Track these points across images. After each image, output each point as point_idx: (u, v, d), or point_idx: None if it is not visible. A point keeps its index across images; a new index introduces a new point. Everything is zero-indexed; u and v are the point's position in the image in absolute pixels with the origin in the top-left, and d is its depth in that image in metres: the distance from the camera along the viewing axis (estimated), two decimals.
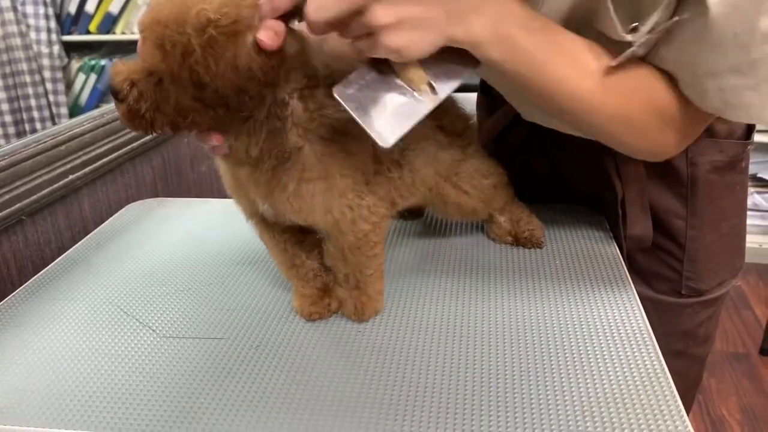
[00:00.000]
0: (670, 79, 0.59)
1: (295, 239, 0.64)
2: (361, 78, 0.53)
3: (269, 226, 0.64)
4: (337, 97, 0.52)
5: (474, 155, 0.70)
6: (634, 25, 0.55)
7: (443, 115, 0.67)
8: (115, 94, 0.50)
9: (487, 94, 0.91)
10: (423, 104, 0.53)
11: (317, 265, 0.65)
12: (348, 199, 0.58)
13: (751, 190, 2.48)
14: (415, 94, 0.54)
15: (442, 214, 0.76)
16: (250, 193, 0.59)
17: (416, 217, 0.85)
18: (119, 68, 0.50)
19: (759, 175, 2.49)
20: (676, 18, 0.54)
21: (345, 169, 0.57)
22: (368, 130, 0.52)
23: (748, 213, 0.85)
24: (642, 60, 0.59)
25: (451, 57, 0.54)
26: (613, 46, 0.57)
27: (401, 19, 0.49)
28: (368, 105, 0.53)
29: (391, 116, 0.53)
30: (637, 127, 0.60)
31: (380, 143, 0.52)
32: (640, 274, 0.81)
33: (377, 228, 0.60)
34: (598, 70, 0.57)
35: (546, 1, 0.60)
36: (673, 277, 0.81)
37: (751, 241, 2.46)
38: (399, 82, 0.54)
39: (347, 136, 0.57)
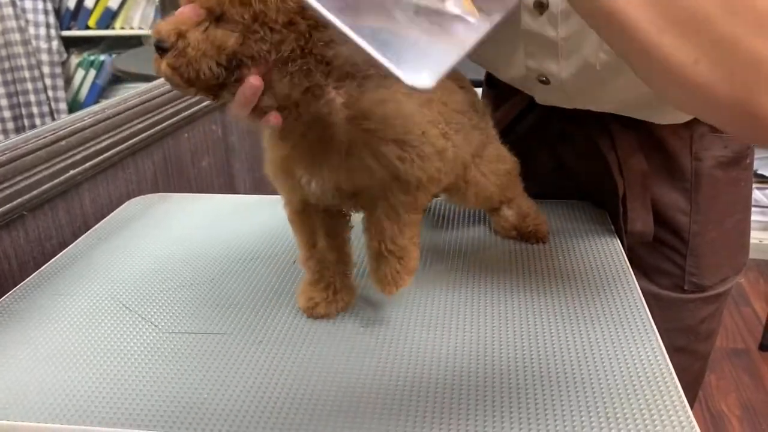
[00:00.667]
0: None
1: (328, 233, 0.63)
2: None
3: (307, 214, 0.62)
4: (339, 26, 0.36)
5: (494, 139, 0.71)
6: None
7: (469, 95, 0.67)
8: (161, 42, 0.50)
9: (494, 88, 0.90)
10: (470, 29, 0.39)
11: (333, 260, 0.64)
12: (427, 125, 0.56)
13: (752, 186, 2.48)
14: (455, 12, 0.39)
15: (458, 200, 0.76)
16: (297, 169, 0.57)
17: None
18: (163, 23, 0.50)
19: (759, 172, 2.49)
20: None
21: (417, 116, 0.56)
22: (392, 69, 0.36)
23: None
24: None
25: None
26: None
27: None
28: (388, 35, 0.37)
29: (424, 49, 0.38)
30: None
31: (413, 84, 0.37)
32: (642, 269, 0.81)
33: (425, 188, 0.58)
34: None
35: None
36: (675, 272, 0.81)
37: (752, 237, 2.46)
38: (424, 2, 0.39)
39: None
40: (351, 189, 0.58)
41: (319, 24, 0.49)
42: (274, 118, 0.53)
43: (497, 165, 0.71)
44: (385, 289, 0.60)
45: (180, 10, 0.51)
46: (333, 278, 0.64)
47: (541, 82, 0.74)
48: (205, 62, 0.50)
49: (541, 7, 0.65)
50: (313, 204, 0.61)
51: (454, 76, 0.68)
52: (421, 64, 0.36)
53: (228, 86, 0.51)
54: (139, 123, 1.06)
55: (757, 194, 2.48)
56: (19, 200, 0.81)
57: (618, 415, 0.50)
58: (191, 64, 0.50)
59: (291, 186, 0.60)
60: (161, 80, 0.61)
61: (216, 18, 0.49)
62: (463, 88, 0.68)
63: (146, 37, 2.39)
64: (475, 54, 0.84)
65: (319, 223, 0.63)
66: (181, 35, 0.50)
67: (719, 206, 0.79)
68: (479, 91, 0.94)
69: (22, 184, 0.82)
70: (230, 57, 0.50)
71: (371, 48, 0.36)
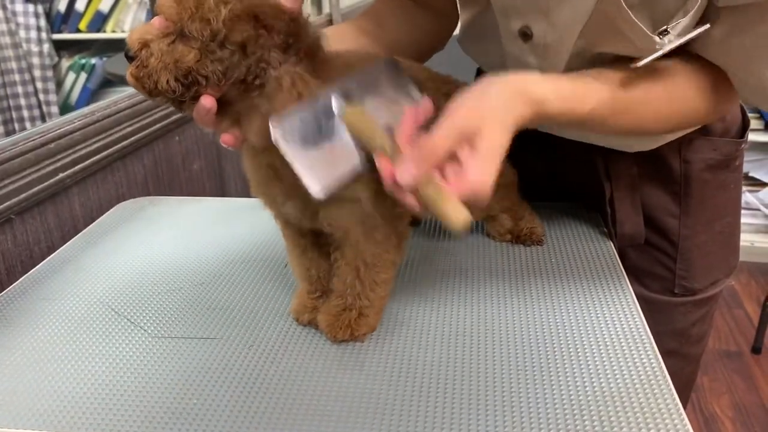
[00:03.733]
0: (703, 75, 0.62)
1: (317, 241, 0.63)
2: (307, 116, 0.52)
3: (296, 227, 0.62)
4: (273, 131, 0.50)
5: None
6: (663, 28, 0.56)
7: None
8: (128, 52, 0.52)
9: None
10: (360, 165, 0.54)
11: (328, 266, 0.63)
12: (386, 200, 0.57)
13: (743, 188, 2.49)
14: (359, 154, 0.54)
15: None
16: (273, 190, 0.58)
17: (414, 225, 0.84)
18: (134, 31, 0.52)
19: (751, 174, 2.50)
20: (707, 25, 0.55)
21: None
22: (301, 176, 0.51)
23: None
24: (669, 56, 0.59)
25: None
26: (636, 52, 0.58)
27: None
28: (308, 147, 0.52)
29: (328, 165, 0.52)
30: (672, 127, 0.69)
31: (312, 192, 0.51)
32: (632, 272, 0.80)
33: (399, 246, 0.59)
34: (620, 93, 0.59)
35: (560, 11, 0.60)
36: (666, 275, 0.80)
37: (743, 239, 2.45)
38: (347, 134, 0.54)
39: None
40: (327, 226, 0.58)
41: (272, 48, 0.51)
42: (226, 138, 0.54)
43: (496, 179, 0.71)
44: (337, 334, 0.60)
45: (154, 20, 0.52)
46: (327, 287, 0.63)
47: None
48: (164, 75, 0.51)
49: (525, 36, 0.66)
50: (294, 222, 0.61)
51: None
52: (320, 182, 0.52)
53: (186, 102, 0.52)
54: (129, 126, 1.05)
55: (749, 197, 2.49)
56: (7, 203, 0.80)
57: (612, 418, 0.50)
58: (151, 76, 0.51)
59: (269, 203, 0.60)
60: None
61: (180, 33, 0.50)
62: None
63: None
64: (473, 53, 0.84)
65: (309, 235, 0.63)
66: (145, 45, 0.51)
67: (709, 209, 0.79)
68: None
69: (10, 187, 0.81)
70: (186, 73, 0.51)
71: (301, 170, 0.51)
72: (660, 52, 0.56)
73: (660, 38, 0.56)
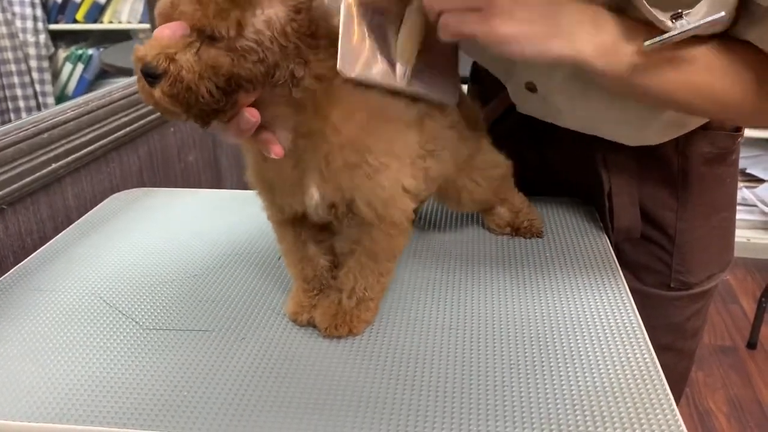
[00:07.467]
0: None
1: (314, 239, 0.62)
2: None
3: (291, 222, 0.61)
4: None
5: (486, 147, 0.71)
6: (677, 11, 0.53)
7: (463, 107, 0.66)
8: (152, 71, 0.47)
9: (479, 84, 0.90)
10: (380, 73, 0.54)
11: (326, 264, 0.63)
12: (407, 176, 0.56)
13: (740, 184, 2.49)
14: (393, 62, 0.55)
15: (452, 205, 0.76)
16: (295, 182, 0.56)
17: None
18: (145, 48, 0.47)
19: (748, 170, 2.50)
20: (722, 13, 0.52)
21: (401, 147, 0.56)
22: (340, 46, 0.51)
23: (737, 207, 0.84)
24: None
25: (442, 77, 0.59)
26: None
27: (517, 13, 0.50)
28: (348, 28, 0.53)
29: (362, 53, 0.53)
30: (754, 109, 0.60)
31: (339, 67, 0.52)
32: (628, 266, 0.80)
33: (406, 231, 0.59)
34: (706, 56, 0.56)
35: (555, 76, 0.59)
36: (662, 269, 0.80)
37: (740, 235, 2.47)
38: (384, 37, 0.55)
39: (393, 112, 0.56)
40: (341, 201, 0.57)
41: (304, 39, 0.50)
42: (277, 149, 0.52)
43: (490, 171, 0.71)
44: (335, 332, 0.59)
45: (159, 31, 0.47)
46: (325, 284, 0.63)
47: (529, 89, 0.74)
48: (203, 85, 0.47)
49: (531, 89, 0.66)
50: (300, 217, 0.60)
51: None
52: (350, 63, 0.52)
53: (224, 111, 0.49)
54: (123, 116, 1.04)
55: (746, 193, 2.50)
56: None
57: (604, 413, 0.50)
58: (189, 89, 0.46)
59: (280, 199, 0.58)
60: None
61: (208, 37, 0.47)
62: (459, 103, 0.66)
63: (135, 31, 2.37)
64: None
65: (306, 232, 0.62)
66: (171, 59, 0.46)
67: (705, 203, 0.79)
68: (465, 87, 0.93)
69: (3, 177, 0.81)
70: (228, 78, 0.47)
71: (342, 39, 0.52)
72: (673, 33, 0.52)
73: (672, 22, 0.53)
